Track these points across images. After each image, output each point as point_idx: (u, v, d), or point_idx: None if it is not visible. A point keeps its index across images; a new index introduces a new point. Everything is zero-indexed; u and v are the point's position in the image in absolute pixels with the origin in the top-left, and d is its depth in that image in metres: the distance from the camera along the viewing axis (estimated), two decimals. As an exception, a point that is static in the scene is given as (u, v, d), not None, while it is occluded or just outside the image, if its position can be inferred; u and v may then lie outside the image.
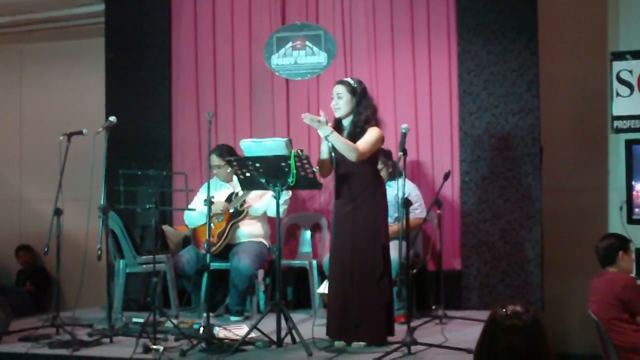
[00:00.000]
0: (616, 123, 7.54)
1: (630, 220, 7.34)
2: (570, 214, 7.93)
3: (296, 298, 8.15)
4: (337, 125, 6.17)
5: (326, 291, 6.80)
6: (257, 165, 6.08)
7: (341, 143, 5.97)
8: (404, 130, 6.02)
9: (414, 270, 7.12)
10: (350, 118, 6.14)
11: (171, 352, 5.87)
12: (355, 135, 6.08)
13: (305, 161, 5.94)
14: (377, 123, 6.15)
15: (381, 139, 6.11)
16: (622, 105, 7.54)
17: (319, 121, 6.00)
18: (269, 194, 7.12)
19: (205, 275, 6.88)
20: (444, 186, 7.27)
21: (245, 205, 7.52)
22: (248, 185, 6.42)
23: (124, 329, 6.64)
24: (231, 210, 7.52)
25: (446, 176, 7.21)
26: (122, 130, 7.31)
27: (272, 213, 7.34)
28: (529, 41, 7.65)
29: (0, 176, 10.49)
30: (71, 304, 7.68)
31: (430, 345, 5.81)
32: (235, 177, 6.63)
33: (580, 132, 8.06)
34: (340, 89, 6.17)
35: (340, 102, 6.14)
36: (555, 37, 7.98)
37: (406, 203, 5.88)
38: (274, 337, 6.00)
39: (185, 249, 7.82)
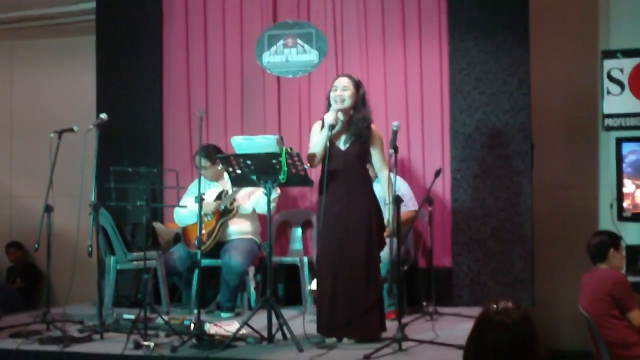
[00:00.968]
0: (607, 121, 7.57)
1: (621, 218, 7.37)
2: (561, 211, 7.96)
3: (287, 295, 8.16)
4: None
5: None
6: (249, 162, 6.08)
7: (388, 186, 6.13)
8: (394, 128, 6.03)
9: (405, 267, 7.13)
10: (350, 113, 6.15)
11: (162, 349, 5.86)
12: (362, 132, 6.07)
13: (296, 158, 5.94)
14: (371, 121, 6.19)
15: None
16: (613, 103, 7.58)
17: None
18: (258, 191, 7.13)
19: (196, 272, 6.87)
20: (435, 184, 7.28)
21: (235, 204, 7.52)
22: (239, 182, 6.42)
23: (115, 325, 6.62)
24: (221, 208, 7.51)
25: (437, 173, 7.22)
26: (113, 127, 7.30)
27: (260, 210, 7.37)
28: (520, 40, 7.67)
29: (-9, 173, 10.49)
30: (62, 300, 7.68)
31: (421, 342, 5.81)
32: (225, 175, 6.62)
33: (571, 130, 8.08)
34: (346, 82, 6.15)
35: (346, 94, 6.09)
36: (546, 36, 8.00)
37: (397, 200, 5.89)
38: (265, 334, 5.99)
39: (176, 246, 7.82)
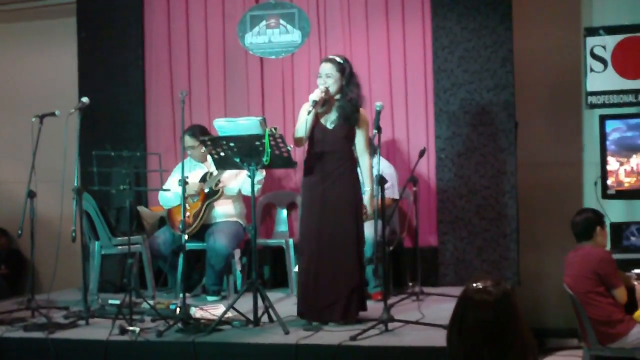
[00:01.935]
0: (590, 99, 7.55)
1: (605, 195, 7.37)
2: (545, 189, 7.94)
3: (273, 277, 8.15)
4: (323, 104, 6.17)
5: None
6: (232, 144, 6.05)
7: (369, 174, 6.14)
8: (378, 108, 6.02)
9: (391, 248, 7.12)
10: (337, 97, 6.14)
11: (148, 333, 5.87)
12: (351, 114, 6.06)
13: (279, 140, 5.93)
14: (361, 105, 6.17)
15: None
16: (596, 80, 7.55)
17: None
18: (244, 173, 7.10)
19: (181, 255, 6.85)
20: (420, 163, 7.28)
21: (220, 185, 7.49)
22: (222, 164, 6.41)
23: (100, 310, 6.61)
24: (206, 190, 7.49)
25: (421, 153, 7.21)
26: (95, 110, 7.28)
27: (246, 192, 7.33)
28: (503, 17, 7.64)
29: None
30: (46, 286, 7.65)
31: (407, 322, 5.82)
32: (209, 157, 6.59)
33: (554, 108, 8.06)
34: (328, 68, 6.13)
35: (329, 81, 6.10)
36: (530, 13, 7.97)
37: (381, 180, 5.87)
38: (251, 317, 5.99)
39: (160, 230, 7.80)
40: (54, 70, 9.38)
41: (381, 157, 6.13)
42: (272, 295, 6.40)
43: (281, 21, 8.29)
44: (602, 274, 5.70)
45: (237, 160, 6.09)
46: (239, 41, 8.37)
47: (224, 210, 7.58)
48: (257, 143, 5.95)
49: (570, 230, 6.05)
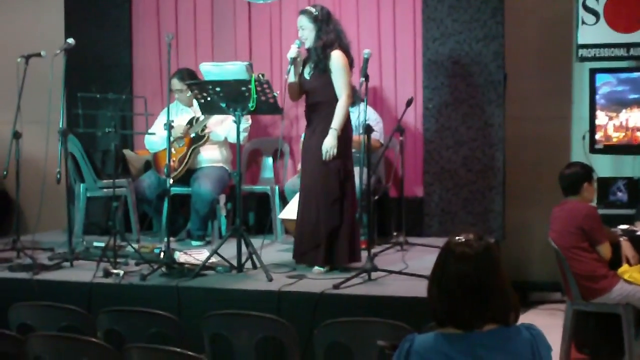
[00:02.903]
0: (581, 51, 7.50)
1: (593, 150, 7.35)
2: (533, 142, 7.92)
3: (258, 223, 8.13)
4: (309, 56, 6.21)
5: (287, 216, 6.86)
6: (218, 89, 6.04)
7: (342, 111, 6.06)
8: (366, 56, 6.02)
9: (376, 197, 7.11)
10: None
11: (131, 277, 5.89)
12: (319, 62, 6.08)
13: (265, 86, 5.92)
14: (340, 47, 6.11)
15: (346, 63, 6.12)
16: (588, 33, 7.49)
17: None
18: (230, 119, 7.06)
19: (166, 200, 6.84)
20: (407, 113, 7.25)
21: (207, 130, 7.46)
22: (208, 109, 6.40)
23: (85, 253, 6.63)
24: (192, 135, 7.45)
25: (409, 103, 7.18)
26: (81, 53, 7.23)
27: (232, 140, 7.30)
28: (494, -33, 7.58)
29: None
30: (32, 227, 7.63)
31: (390, 272, 5.84)
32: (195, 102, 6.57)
33: (544, 60, 8.00)
34: (302, 21, 6.18)
35: (305, 33, 6.17)
36: (522, -36, 7.91)
37: (367, 129, 5.86)
38: (235, 263, 6.00)
39: (146, 174, 7.77)
40: (40, 12, 9.26)
41: (368, 106, 6.12)
42: (256, 241, 6.39)
43: (270, -35, 8.19)
44: (586, 229, 5.70)
45: (223, 105, 6.08)
46: (227, -16, 8.28)
47: (210, 156, 7.56)
48: (243, 88, 5.92)
49: (558, 184, 6.04)
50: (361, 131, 5.96)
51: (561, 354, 5.87)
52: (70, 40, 6.74)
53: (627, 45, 7.42)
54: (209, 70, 6.58)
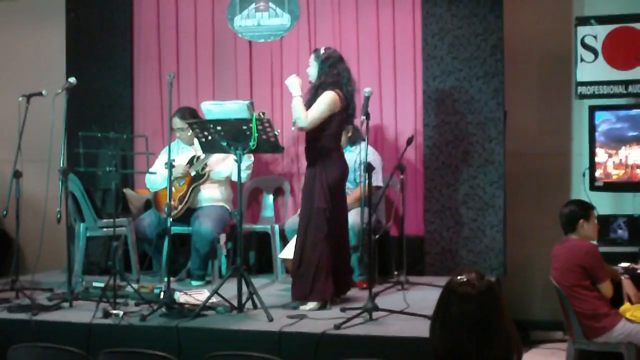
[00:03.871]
0: (580, 89, 7.52)
1: (593, 187, 7.34)
2: (533, 179, 7.92)
3: (258, 263, 8.11)
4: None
5: (287, 256, 6.85)
6: (219, 128, 6.05)
7: (295, 109, 6.17)
8: (367, 94, 6.05)
9: (376, 236, 7.07)
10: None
11: (131, 317, 5.85)
12: (311, 99, 6.16)
13: (267, 124, 5.94)
14: (334, 88, 6.14)
15: (332, 103, 6.15)
16: (586, 70, 7.52)
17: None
18: (231, 157, 7.07)
19: (166, 239, 6.82)
20: (407, 150, 7.25)
21: (207, 169, 7.46)
22: (209, 148, 6.42)
23: (84, 293, 6.59)
24: (192, 174, 7.45)
25: (409, 141, 7.17)
26: (83, 91, 7.26)
27: (236, 177, 7.30)
28: (494, 4, 7.61)
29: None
30: (31, 267, 7.62)
31: (392, 312, 5.81)
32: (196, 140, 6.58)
33: (544, 97, 8.03)
34: (311, 58, 6.37)
35: (309, 70, 6.34)
36: (520, 2, 7.94)
37: (368, 168, 5.86)
38: (235, 302, 5.97)
39: (146, 212, 7.76)
40: (41, 49, 9.30)
41: (368, 146, 6.14)
42: (257, 281, 6.38)
43: (270, 4, 8.25)
44: (587, 268, 5.68)
45: (224, 144, 6.08)
46: (228, 24, 8.32)
47: (210, 195, 7.55)
48: (244, 127, 5.94)
49: (558, 221, 6.03)
50: (362, 169, 5.96)
51: (564, 393, 5.84)
52: (72, 80, 6.75)
53: (626, 83, 7.44)
54: (210, 109, 6.60)
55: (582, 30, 7.53)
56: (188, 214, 7.45)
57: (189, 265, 7.49)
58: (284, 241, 7.46)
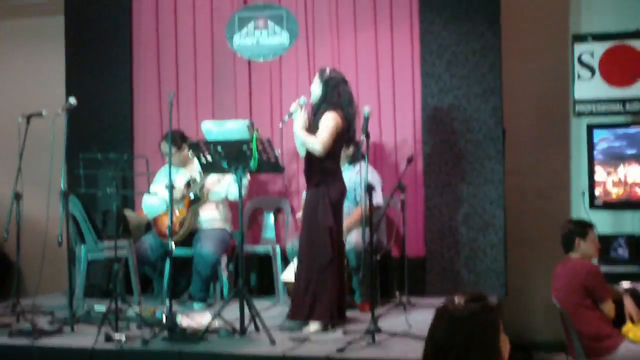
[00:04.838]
0: (578, 107, 7.56)
1: (593, 206, 7.36)
2: (533, 198, 7.93)
3: (260, 284, 8.11)
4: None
5: (289, 279, 6.84)
6: (219, 149, 6.05)
7: (306, 141, 6.15)
8: (366, 114, 6.05)
9: (378, 257, 7.06)
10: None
11: (133, 341, 5.83)
12: (313, 122, 6.16)
13: (267, 145, 5.96)
14: (335, 109, 6.15)
15: (336, 123, 6.13)
16: (584, 88, 7.57)
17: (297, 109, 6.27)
18: (227, 177, 7.08)
19: (168, 261, 6.81)
20: (407, 170, 7.25)
21: (205, 190, 7.45)
22: (210, 169, 6.41)
23: (86, 316, 6.57)
24: (192, 197, 7.43)
25: (409, 160, 7.19)
26: (82, 111, 7.23)
27: (232, 197, 7.31)
28: (492, 22, 7.62)
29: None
30: (32, 290, 7.59)
31: (394, 334, 5.81)
32: (194, 161, 6.57)
33: (542, 115, 8.05)
34: (315, 77, 6.36)
35: (313, 88, 6.34)
36: (518, 19, 7.95)
37: (369, 188, 5.86)
38: (238, 325, 5.97)
39: (147, 235, 7.74)
40: (41, 70, 9.31)
41: (368, 165, 6.14)
42: (259, 303, 6.37)
43: (269, 23, 8.25)
44: (589, 288, 5.67)
45: (225, 164, 6.10)
46: (227, 43, 8.33)
47: (209, 215, 7.54)
48: (245, 148, 5.95)
49: (559, 240, 6.03)
50: (363, 189, 5.96)
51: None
52: (72, 101, 6.72)
53: (623, 101, 7.49)
54: (210, 129, 6.62)
55: (579, 48, 7.59)
56: (189, 236, 7.45)
57: (191, 288, 7.47)
58: (285, 262, 7.45)
